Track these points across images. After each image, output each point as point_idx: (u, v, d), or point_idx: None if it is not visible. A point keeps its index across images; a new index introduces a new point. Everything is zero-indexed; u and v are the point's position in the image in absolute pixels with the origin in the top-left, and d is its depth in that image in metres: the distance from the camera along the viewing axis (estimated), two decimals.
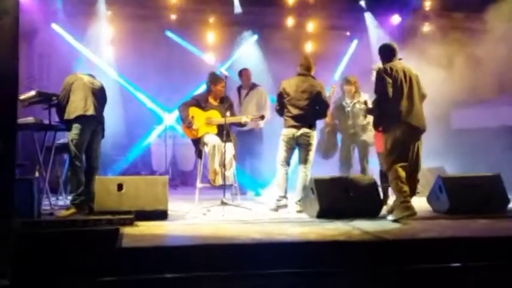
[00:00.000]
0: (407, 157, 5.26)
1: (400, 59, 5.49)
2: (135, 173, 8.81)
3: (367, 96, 6.48)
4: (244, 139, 7.39)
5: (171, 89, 9.41)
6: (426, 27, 9.82)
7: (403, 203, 5.15)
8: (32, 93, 5.65)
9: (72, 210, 5.55)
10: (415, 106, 5.25)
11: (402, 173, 5.21)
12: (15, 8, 4.49)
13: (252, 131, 7.58)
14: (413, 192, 5.38)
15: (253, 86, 7.94)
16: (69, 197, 5.86)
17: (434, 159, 7.39)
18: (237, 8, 9.37)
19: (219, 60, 9.90)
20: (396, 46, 5.54)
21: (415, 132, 5.29)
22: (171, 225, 5.07)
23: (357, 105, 6.91)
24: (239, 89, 8.03)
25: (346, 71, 10.13)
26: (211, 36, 9.97)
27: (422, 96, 5.41)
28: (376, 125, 5.58)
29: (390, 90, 5.20)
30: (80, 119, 5.61)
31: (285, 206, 6.03)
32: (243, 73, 8.00)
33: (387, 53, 5.48)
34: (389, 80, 5.21)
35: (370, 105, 6.16)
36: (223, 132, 6.10)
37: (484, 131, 7.92)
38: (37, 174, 5.94)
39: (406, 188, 5.18)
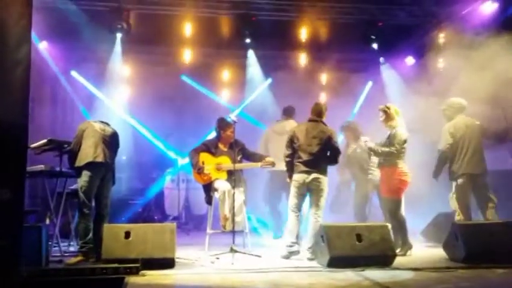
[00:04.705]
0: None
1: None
2: (149, 217, 8.79)
3: (367, 138, 6.41)
4: (278, 178, 7.28)
5: (185, 133, 9.48)
6: (440, 68, 9.75)
7: None
8: (44, 141, 5.72)
9: (80, 258, 5.52)
10: (473, 155, 6.35)
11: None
12: (27, 59, 4.60)
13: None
14: None
15: None
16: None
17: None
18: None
19: (233, 104, 9.98)
20: (461, 102, 6.46)
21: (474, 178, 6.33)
22: (177, 275, 4.96)
23: (358, 150, 6.88)
24: None
25: (361, 112, 10.14)
26: (225, 79, 10.08)
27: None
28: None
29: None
30: (90, 166, 5.64)
31: (297, 252, 5.89)
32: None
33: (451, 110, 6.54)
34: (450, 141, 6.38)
35: (369, 144, 6.17)
36: (232, 177, 6.05)
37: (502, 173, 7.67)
38: (48, 220, 5.94)
39: None
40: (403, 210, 6.37)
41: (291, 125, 7.39)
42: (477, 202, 6.47)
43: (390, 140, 6.09)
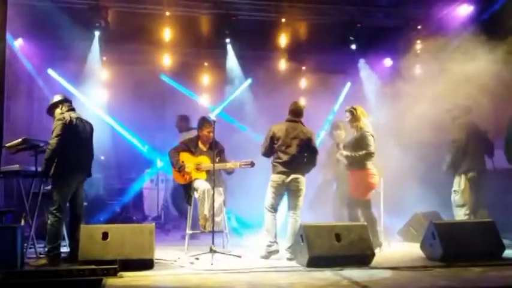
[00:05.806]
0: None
1: None
2: (127, 218, 8.67)
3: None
4: None
5: (165, 132, 9.40)
6: (417, 70, 9.87)
7: None
8: (19, 140, 5.59)
9: (44, 262, 5.36)
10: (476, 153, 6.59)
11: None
12: (1, 56, 4.52)
13: None
14: None
15: None
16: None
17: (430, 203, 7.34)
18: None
19: (213, 103, 9.94)
20: (469, 105, 6.69)
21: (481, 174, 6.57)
22: (156, 276, 4.92)
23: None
24: None
25: (340, 111, 10.18)
26: (205, 79, 10.04)
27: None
28: None
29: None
30: (72, 174, 5.57)
31: (277, 251, 5.88)
32: None
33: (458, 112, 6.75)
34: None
35: (345, 153, 6.20)
36: (212, 177, 6.02)
37: None
38: (23, 221, 5.81)
39: None
40: (382, 211, 6.44)
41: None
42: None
43: (361, 142, 6.16)
